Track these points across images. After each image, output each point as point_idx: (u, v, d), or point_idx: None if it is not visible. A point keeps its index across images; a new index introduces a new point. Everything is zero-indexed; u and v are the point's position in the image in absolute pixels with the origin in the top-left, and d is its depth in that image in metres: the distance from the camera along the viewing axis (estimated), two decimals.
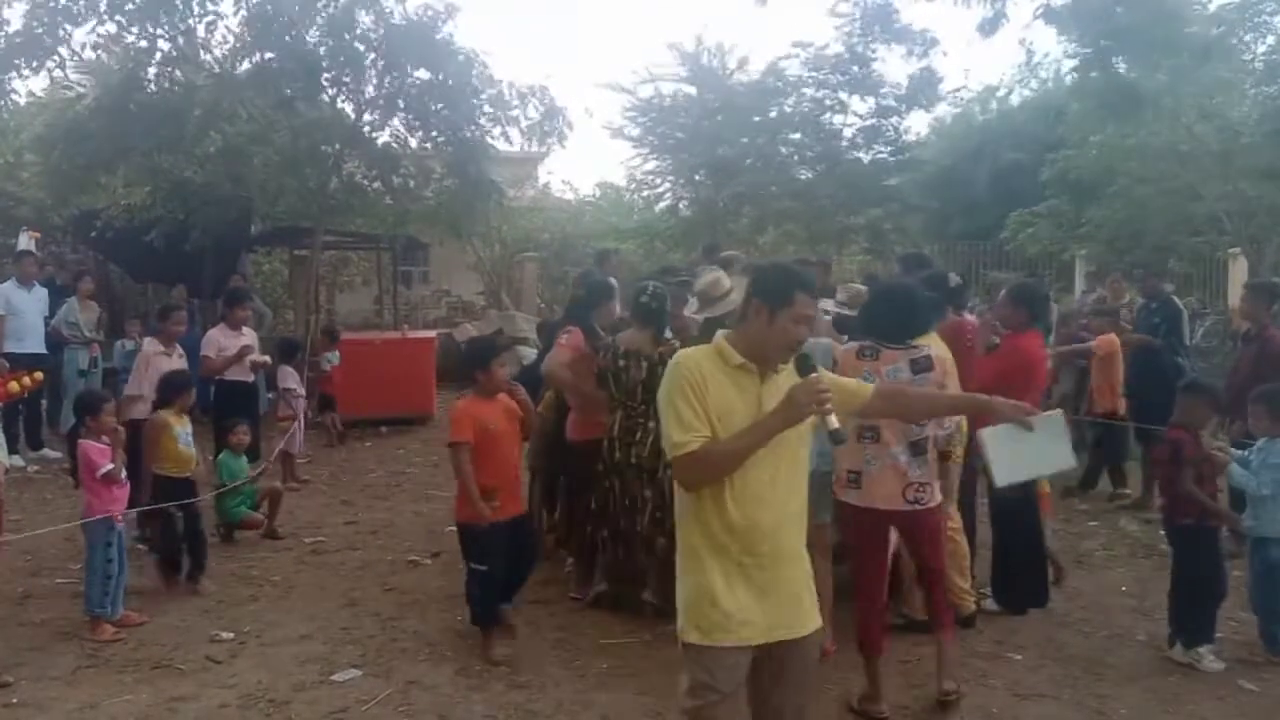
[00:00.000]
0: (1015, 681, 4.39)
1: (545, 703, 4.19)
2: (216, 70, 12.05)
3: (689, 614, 2.68)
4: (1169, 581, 4.83)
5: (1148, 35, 10.96)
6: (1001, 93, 25.04)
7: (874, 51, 16.56)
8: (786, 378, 2.68)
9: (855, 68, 16.64)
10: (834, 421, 2.57)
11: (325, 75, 11.76)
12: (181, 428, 5.73)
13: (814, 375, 2.61)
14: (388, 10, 11.68)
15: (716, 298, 4.95)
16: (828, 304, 5.46)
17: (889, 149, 17.66)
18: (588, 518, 5.29)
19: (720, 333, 2.79)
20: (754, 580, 2.64)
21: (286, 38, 11.29)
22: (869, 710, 4.05)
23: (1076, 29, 11.77)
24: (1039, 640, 4.88)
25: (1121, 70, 12.00)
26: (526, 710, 4.13)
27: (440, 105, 12.15)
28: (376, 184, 13.12)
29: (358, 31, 11.61)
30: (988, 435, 3.20)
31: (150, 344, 6.68)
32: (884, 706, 4.06)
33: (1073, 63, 16.02)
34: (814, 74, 17.18)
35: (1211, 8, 13.96)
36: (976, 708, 4.13)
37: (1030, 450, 3.08)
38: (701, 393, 2.60)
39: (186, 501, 5.64)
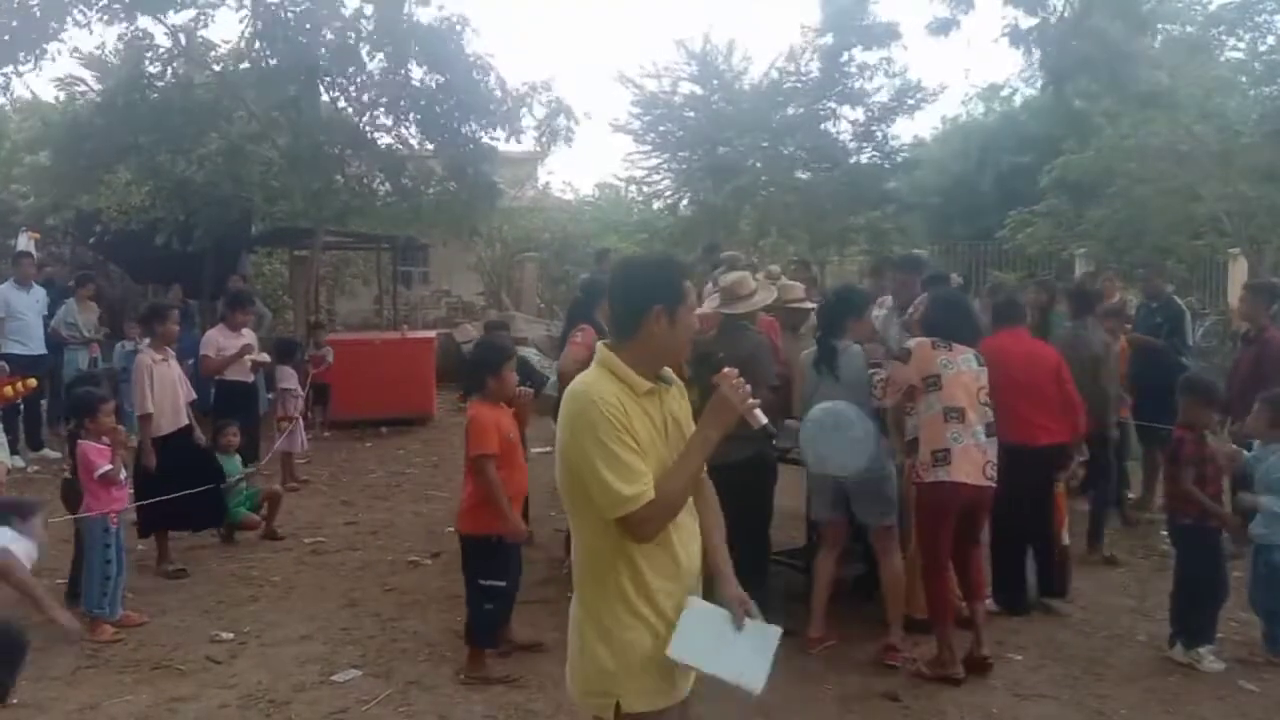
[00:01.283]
0: (1015, 681, 4.39)
1: (545, 703, 4.19)
2: (217, 68, 12.05)
3: (625, 681, 2.27)
4: (1169, 581, 4.83)
5: (1097, 71, 11.26)
6: (1005, 92, 25.07)
7: (852, 62, 16.79)
8: (677, 392, 2.43)
9: (841, 81, 16.84)
10: (761, 416, 2.35)
11: (326, 77, 11.75)
12: None
13: (727, 369, 2.35)
14: (405, 14, 11.69)
15: (742, 296, 4.99)
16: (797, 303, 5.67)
17: (880, 155, 17.80)
18: None
19: (602, 350, 2.35)
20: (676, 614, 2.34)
21: (300, 38, 11.29)
22: (946, 674, 4.29)
23: (1038, 52, 12.02)
24: (1039, 640, 4.88)
25: (1073, 97, 12.27)
26: (526, 710, 4.14)
27: (446, 110, 12.16)
28: (384, 185, 13.14)
29: (364, 33, 11.62)
30: (689, 606, 2.38)
31: (146, 352, 6.29)
32: (960, 669, 4.30)
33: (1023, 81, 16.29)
34: (801, 85, 17.38)
35: (1212, 7, 14.01)
36: (976, 707, 4.13)
37: (725, 650, 2.36)
38: (632, 430, 2.23)
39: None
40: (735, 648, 2.37)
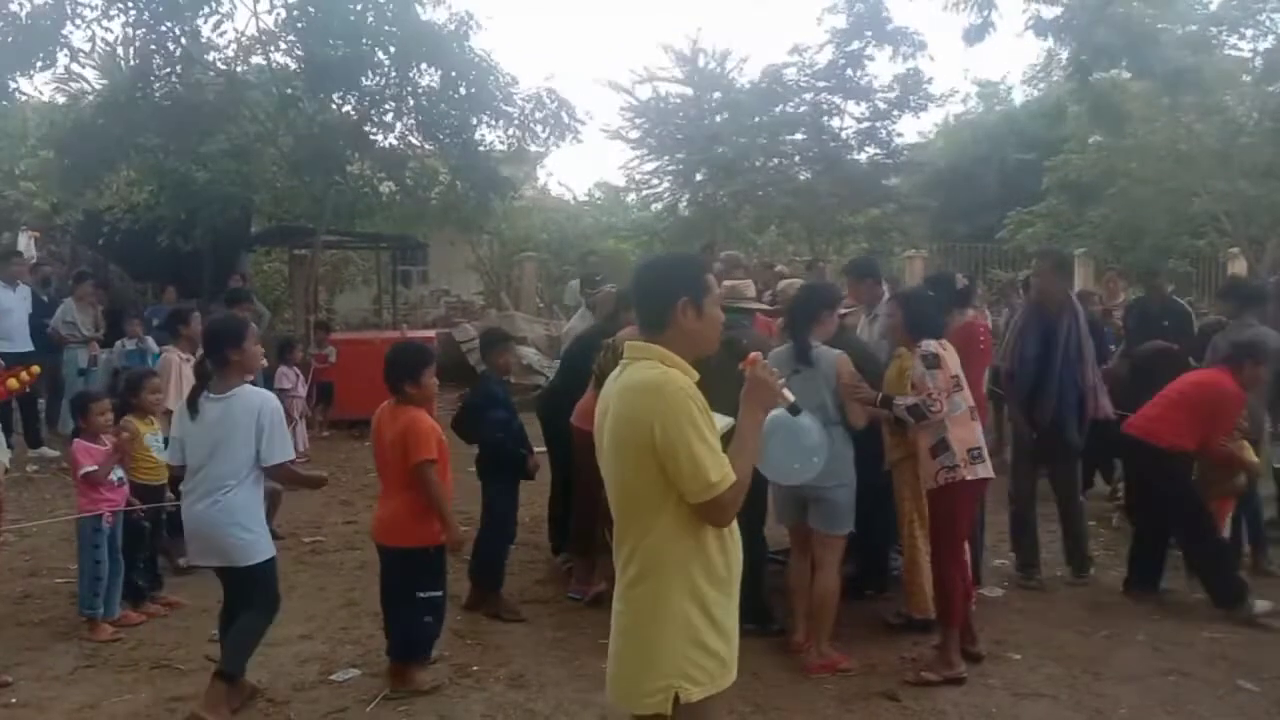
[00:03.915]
0: (1015, 681, 4.38)
1: (545, 703, 4.18)
2: (223, 66, 12.03)
3: (683, 667, 2.31)
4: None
5: (1121, 55, 11.25)
6: (1004, 91, 25.10)
7: (868, 55, 16.71)
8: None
9: (849, 70, 16.78)
10: (790, 394, 2.46)
11: (336, 79, 11.73)
12: (151, 433, 5.45)
13: (754, 353, 2.43)
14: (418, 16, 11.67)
15: (747, 297, 5.16)
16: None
17: (882, 152, 17.77)
18: (595, 517, 5.22)
19: (647, 347, 2.39)
20: (732, 605, 2.42)
21: (320, 47, 11.29)
22: (952, 674, 4.29)
23: (1065, 41, 11.97)
24: (1039, 640, 4.87)
25: (1103, 81, 12.20)
26: (526, 710, 4.13)
27: (451, 108, 12.16)
28: (387, 184, 13.14)
29: (378, 39, 11.61)
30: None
31: (171, 353, 6.49)
32: (964, 668, 4.32)
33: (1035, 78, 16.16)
34: (808, 79, 17.32)
35: (1213, 7, 14.02)
36: (975, 707, 4.12)
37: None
38: (710, 417, 2.32)
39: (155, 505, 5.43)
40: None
